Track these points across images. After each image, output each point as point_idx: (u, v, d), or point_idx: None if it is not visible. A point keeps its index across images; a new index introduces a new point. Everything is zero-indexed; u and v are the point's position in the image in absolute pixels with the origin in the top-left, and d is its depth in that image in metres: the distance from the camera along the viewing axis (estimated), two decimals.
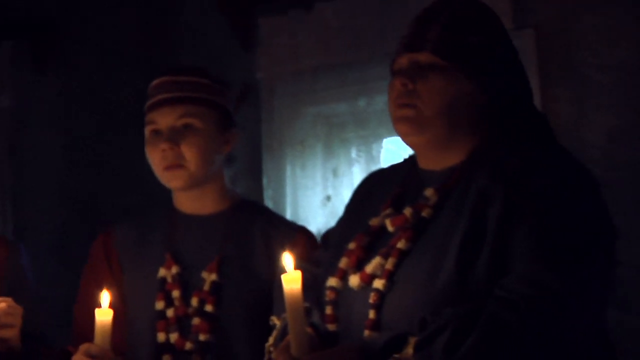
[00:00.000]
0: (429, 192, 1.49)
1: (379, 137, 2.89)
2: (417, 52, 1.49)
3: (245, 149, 3.21)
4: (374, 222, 1.54)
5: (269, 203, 3.06)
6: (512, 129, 1.50)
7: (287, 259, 1.41)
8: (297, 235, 1.90)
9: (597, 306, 1.41)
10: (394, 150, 2.88)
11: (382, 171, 1.73)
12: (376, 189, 1.63)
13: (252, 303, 1.83)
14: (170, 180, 1.88)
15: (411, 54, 1.50)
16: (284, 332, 1.53)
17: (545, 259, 1.34)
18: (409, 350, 1.34)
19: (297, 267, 1.71)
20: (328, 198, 2.95)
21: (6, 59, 3.38)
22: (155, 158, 1.88)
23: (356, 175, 2.90)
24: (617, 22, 2.49)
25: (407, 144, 1.56)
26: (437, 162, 1.52)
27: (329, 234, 1.74)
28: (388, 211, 1.53)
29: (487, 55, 1.49)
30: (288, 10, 3.05)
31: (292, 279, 1.38)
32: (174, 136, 1.85)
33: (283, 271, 1.40)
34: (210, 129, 1.88)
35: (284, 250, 1.84)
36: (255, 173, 3.10)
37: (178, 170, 1.85)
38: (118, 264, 1.92)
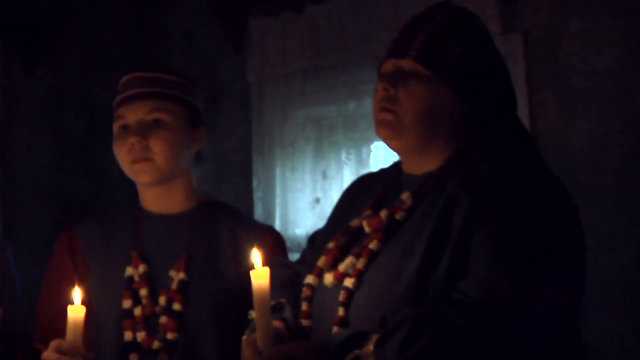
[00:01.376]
0: (405, 195, 1.51)
1: (369, 140, 2.90)
2: (401, 58, 1.50)
3: (235, 151, 3.23)
4: (354, 222, 1.57)
5: (258, 205, 3.08)
6: (491, 136, 1.52)
7: (256, 256, 1.42)
8: (264, 235, 1.89)
9: (555, 312, 1.40)
10: (382, 154, 2.90)
11: (371, 174, 1.75)
12: (363, 192, 1.65)
13: (219, 301, 1.81)
14: (137, 173, 1.86)
15: (395, 59, 1.51)
16: (252, 327, 1.55)
17: (499, 264, 1.35)
18: (370, 347, 1.36)
19: (275, 263, 1.73)
20: (317, 200, 2.96)
21: None
22: (123, 152, 1.86)
23: (346, 177, 2.92)
24: (604, 28, 2.51)
25: (389, 147, 1.58)
26: (417, 166, 1.54)
27: (316, 234, 1.76)
28: (368, 213, 1.55)
29: (471, 66, 1.49)
30: (280, 13, 3.07)
31: (260, 275, 1.40)
32: (143, 130, 1.84)
33: (252, 267, 1.42)
34: (179, 125, 1.87)
35: (251, 249, 1.86)
36: (245, 175, 3.12)
37: (146, 164, 1.84)
38: (83, 261, 1.90)
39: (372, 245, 1.49)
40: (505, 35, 2.55)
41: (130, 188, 2.65)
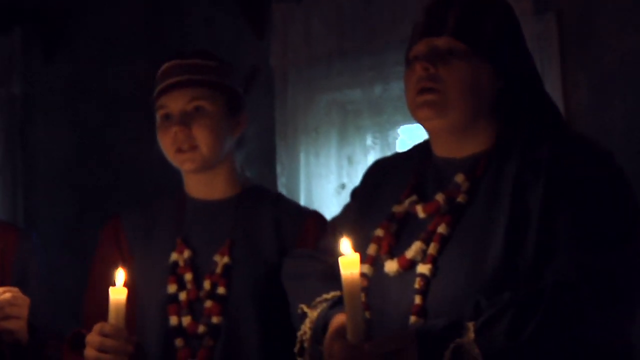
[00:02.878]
0: (459, 178, 1.50)
1: (395, 124, 2.85)
2: (436, 37, 1.50)
3: (258, 137, 3.19)
4: (397, 209, 1.55)
5: (282, 191, 3.02)
6: (529, 116, 1.53)
7: (345, 243, 1.38)
8: (307, 220, 1.90)
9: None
10: (409, 138, 2.84)
11: (388, 159, 1.74)
12: (387, 177, 1.63)
13: (261, 286, 1.82)
14: (182, 162, 1.87)
15: (429, 39, 1.51)
16: (323, 321, 1.52)
17: (591, 245, 1.37)
18: (470, 335, 1.33)
19: (309, 256, 1.71)
20: (342, 186, 2.92)
21: (17, 47, 3.36)
22: (167, 141, 1.87)
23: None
24: None
25: (428, 129, 1.56)
26: (458, 149, 1.53)
27: (336, 222, 1.72)
28: (413, 198, 1.53)
29: (505, 39, 1.51)
30: None
31: (350, 263, 1.35)
32: (185, 119, 1.85)
33: (340, 254, 1.38)
34: (221, 111, 1.88)
35: (293, 235, 1.84)
36: (268, 161, 3.08)
37: (190, 153, 1.85)
38: (128, 248, 1.92)
39: (442, 230, 1.47)
40: (537, 15, 2.49)
41: (151, 177, 2.63)
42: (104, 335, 1.64)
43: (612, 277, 1.36)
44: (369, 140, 2.89)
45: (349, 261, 1.35)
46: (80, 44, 3.44)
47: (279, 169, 3.04)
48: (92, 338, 1.65)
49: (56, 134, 3.43)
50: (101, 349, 1.64)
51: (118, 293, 1.61)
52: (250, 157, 3.30)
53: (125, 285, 1.62)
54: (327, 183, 2.95)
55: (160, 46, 3.31)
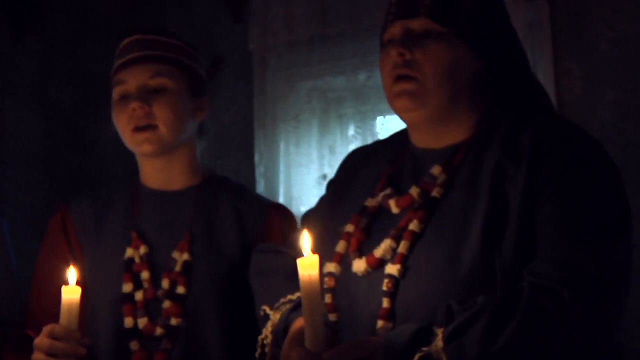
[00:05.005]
0: (435, 170, 1.41)
1: (379, 113, 2.78)
2: (411, 18, 1.41)
3: (236, 125, 3.10)
4: (370, 202, 1.45)
5: (261, 181, 2.95)
6: (513, 100, 1.44)
7: (305, 240, 1.27)
8: (271, 212, 1.78)
9: (629, 287, 1.34)
10: (394, 128, 2.76)
11: (365, 148, 1.64)
12: (362, 168, 1.54)
13: (223, 284, 1.71)
14: (139, 143, 1.74)
15: (404, 21, 1.41)
16: (284, 324, 1.42)
17: (576, 241, 1.28)
18: (439, 343, 1.24)
19: (275, 251, 1.61)
20: (324, 177, 2.84)
21: None
22: (123, 119, 1.74)
23: None
24: None
25: (406, 120, 1.46)
26: (437, 139, 1.44)
27: (309, 215, 1.62)
28: (387, 191, 1.44)
29: (483, 18, 1.42)
30: None
31: (309, 264, 1.24)
32: (145, 95, 1.73)
33: (298, 254, 1.27)
34: (183, 91, 1.76)
35: (256, 229, 1.74)
36: (246, 149, 3.00)
37: (148, 132, 1.72)
38: (77, 242, 1.79)
39: (414, 226, 1.36)
40: (529, 2, 2.43)
41: (122, 161, 2.51)
42: (54, 337, 1.52)
43: (597, 277, 1.26)
44: (351, 130, 2.81)
45: (308, 262, 1.24)
46: (50, 24, 3.33)
47: (257, 158, 2.96)
48: (41, 341, 1.53)
49: (26, 116, 3.31)
50: (51, 353, 1.52)
51: (70, 292, 1.50)
52: (228, 145, 3.23)
53: (77, 282, 1.52)
54: (307, 173, 2.87)
55: (133, 25, 3.21)
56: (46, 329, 1.53)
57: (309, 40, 2.84)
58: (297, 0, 2.87)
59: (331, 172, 2.83)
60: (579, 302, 1.24)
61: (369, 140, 2.77)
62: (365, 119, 2.80)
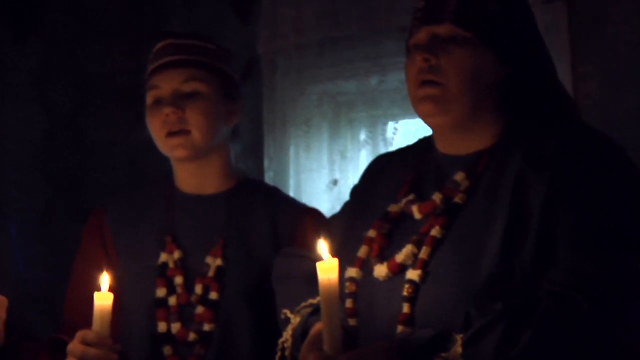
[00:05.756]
0: (459, 176, 1.42)
1: (391, 118, 2.74)
2: (437, 24, 1.42)
3: (245, 129, 3.06)
4: (393, 208, 1.47)
5: None
6: (539, 107, 1.45)
7: (322, 246, 1.29)
8: (305, 218, 1.79)
9: None
10: (406, 133, 2.73)
11: (390, 155, 1.66)
12: (386, 174, 1.56)
13: (256, 290, 1.72)
14: (172, 148, 1.75)
15: (430, 27, 1.43)
16: (303, 328, 1.45)
17: (594, 251, 1.28)
18: (457, 349, 1.25)
19: (298, 255, 1.63)
20: (334, 182, 2.82)
21: None
22: (157, 124, 1.75)
23: (365, 158, 2.76)
24: None
25: (430, 125, 1.48)
26: (461, 145, 1.45)
27: (333, 220, 1.65)
28: (410, 197, 1.46)
29: (509, 24, 1.44)
30: None
31: (328, 268, 1.25)
32: (178, 101, 1.74)
33: (319, 258, 1.29)
34: (217, 96, 1.76)
35: (290, 234, 1.72)
36: (256, 154, 2.96)
37: (182, 137, 1.73)
38: (113, 246, 1.80)
39: (435, 232, 1.38)
40: (546, 4, 2.39)
41: (124, 164, 2.49)
42: (86, 343, 1.53)
43: (616, 287, 1.27)
44: (363, 135, 2.78)
45: (327, 266, 1.26)
46: (52, 24, 3.30)
47: (266, 163, 2.92)
48: (74, 347, 1.54)
49: (26, 117, 3.29)
50: (83, 359, 1.53)
51: (103, 298, 1.51)
52: (238, 148, 3.20)
53: (110, 287, 1.54)
54: (318, 178, 2.83)
55: (136, 27, 3.19)
56: (79, 334, 1.55)
57: (319, 42, 2.81)
58: (306, 2, 2.83)
59: (342, 177, 2.82)
60: (596, 310, 1.25)
61: (380, 146, 2.74)
62: (377, 124, 2.76)
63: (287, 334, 1.48)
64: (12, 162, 3.27)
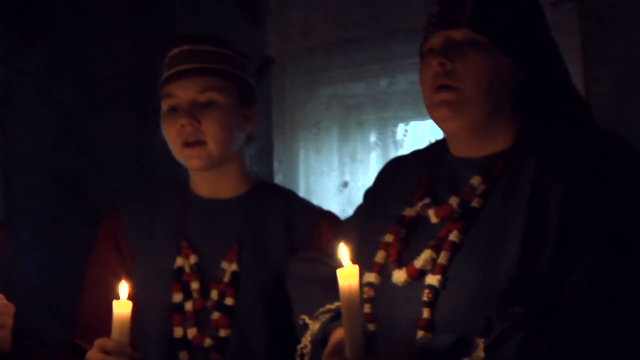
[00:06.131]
0: (475, 180, 1.42)
1: (401, 120, 2.72)
2: (452, 29, 1.42)
3: (254, 131, 3.05)
4: (409, 212, 1.47)
5: None
6: (553, 111, 1.46)
7: (343, 251, 1.28)
8: (320, 222, 1.78)
9: None
10: (416, 135, 2.72)
11: (403, 158, 1.65)
12: (400, 177, 1.56)
13: (272, 295, 1.71)
14: (189, 158, 1.75)
15: (445, 31, 1.43)
16: (322, 334, 1.45)
17: (614, 252, 1.28)
18: (479, 353, 1.25)
19: (313, 259, 1.62)
20: (345, 184, 2.80)
21: None
22: (173, 134, 1.74)
23: (375, 160, 2.75)
24: None
25: (445, 130, 1.48)
26: (476, 149, 1.45)
27: (346, 225, 1.64)
28: (426, 200, 1.46)
29: (524, 29, 1.44)
30: None
31: (349, 274, 1.25)
32: (195, 111, 1.72)
33: (336, 263, 1.29)
34: (233, 104, 1.75)
35: (305, 237, 1.74)
36: (265, 157, 2.94)
37: (198, 148, 1.72)
38: (128, 249, 1.79)
39: (454, 237, 1.38)
40: (557, 6, 2.37)
41: (132, 167, 2.48)
42: (106, 352, 1.53)
43: (635, 289, 1.27)
44: (372, 137, 2.76)
45: (348, 272, 1.26)
46: (61, 27, 3.28)
47: (276, 165, 2.92)
48: (94, 355, 1.54)
49: (36, 121, 3.27)
50: None
51: (122, 307, 1.51)
52: (251, 153, 3.19)
53: (129, 295, 1.53)
54: (328, 181, 2.83)
55: (144, 31, 3.18)
56: (98, 342, 1.54)
57: (328, 45, 2.80)
58: (315, 4, 2.82)
59: (352, 179, 2.81)
60: (618, 314, 1.25)
61: (391, 148, 2.73)
62: (387, 126, 2.75)
63: (305, 340, 1.47)
64: (22, 166, 3.26)
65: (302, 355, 1.48)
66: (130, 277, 1.63)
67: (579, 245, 1.29)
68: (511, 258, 1.31)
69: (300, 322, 1.50)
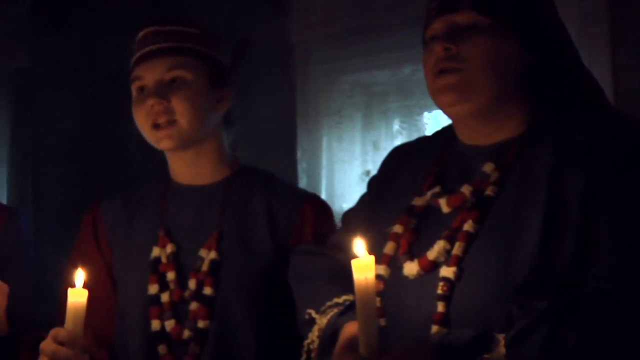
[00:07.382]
0: (488, 167, 1.37)
1: (425, 108, 2.68)
2: (454, 12, 1.37)
3: (277, 119, 3.04)
4: (418, 201, 1.41)
5: (302, 177, 2.89)
6: (564, 95, 1.39)
7: (358, 243, 1.23)
8: (304, 206, 1.72)
9: None
10: (440, 124, 2.68)
11: (408, 145, 1.60)
12: (406, 166, 1.50)
13: (254, 284, 1.66)
14: (159, 140, 1.70)
15: (447, 16, 1.38)
16: (332, 329, 1.40)
17: (637, 243, 1.24)
18: (501, 349, 1.20)
19: (314, 252, 1.56)
20: (367, 173, 2.78)
21: (24, 19, 3.23)
22: (142, 116, 1.71)
23: None
24: None
25: (452, 115, 1.42)
26: (485, 135, 1.40)
27: (350, 215, 1.59)
28: (436, 189, 1.40)
29: (528, 9, 1.38)
30: None
31: (364, 266, 1.19)
32: (163, 91, 1.68)
33: (354, 256, 1.23)
34: (202, 83, 1.70)
35: (288, 223, 1.70)
36: (288, 145, 2.92)
37: (168, 128, 1.68)
38: (106, 241, 1.76)
39: (468, 227, 1.32)
40: None
41: (146, 157, 2.46)
42: (58, 342, 1.48)
43: None
44: (396, 125, 2.73)
45: (363, 264, 1.20)
46: (88, 16, 3.28)
47: (299, 154, 2.89)
48: (47, 345, 1.49)
49: (61, 109, 3.28)
50: (54, 358, 1.48)
51: (77, 295, 1.45)
52: (269, 140, 3.18)
53: (104, 287, 1.52)
54: (350, 169, 2.80)
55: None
56: (52, 332, 1.50)
57: (351, 32, 2.76)
58: None
59: (375, 168, 2.74)
60: (636, 307, 1.21)
61: (414, 136, 2.68)
62: (411, 114, 2.71)
63: (313, 335, 1.43)
64: (49, 154, 3.27)
65: (308, 351, 1.43)
66: (110, 272, 1.60)
67: (601, 235, 1.25)
68: (531, 248, 1.26)
69: (307, 316, 1.45)
